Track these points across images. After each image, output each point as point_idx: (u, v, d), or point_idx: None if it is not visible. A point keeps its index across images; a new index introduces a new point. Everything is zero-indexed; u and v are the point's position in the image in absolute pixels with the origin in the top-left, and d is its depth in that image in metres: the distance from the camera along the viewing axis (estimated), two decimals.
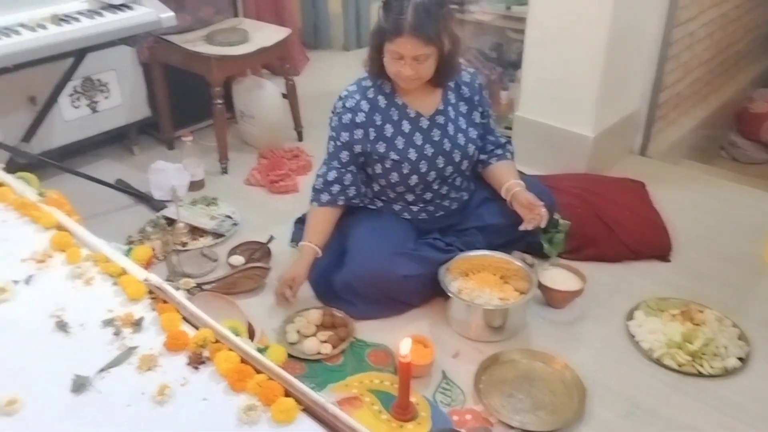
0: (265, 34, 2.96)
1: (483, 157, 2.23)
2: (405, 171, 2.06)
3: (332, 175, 2.07)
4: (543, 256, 2.25)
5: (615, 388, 1.82)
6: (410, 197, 2.14)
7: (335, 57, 4.29)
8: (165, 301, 1.31)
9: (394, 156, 2.04)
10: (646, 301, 2.09)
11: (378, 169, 2.08)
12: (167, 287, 1.33)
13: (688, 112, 3.41)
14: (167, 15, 2.34)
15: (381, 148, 2.04)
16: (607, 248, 2.32)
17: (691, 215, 2.22)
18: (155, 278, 1.36)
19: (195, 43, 2.82)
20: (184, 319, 1.28)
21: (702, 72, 3.39)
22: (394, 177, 2.07)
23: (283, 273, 2.07)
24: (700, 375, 1.85)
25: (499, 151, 2.24)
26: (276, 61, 3.28)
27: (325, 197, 2.08)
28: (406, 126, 2.05)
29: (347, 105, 2.05)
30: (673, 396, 1.80)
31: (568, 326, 2.05)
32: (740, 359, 1.88)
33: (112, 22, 2.23)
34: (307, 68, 4.07)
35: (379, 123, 2.04)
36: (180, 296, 1.32)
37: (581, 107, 2.68)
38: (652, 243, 2.33)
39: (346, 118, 2.04)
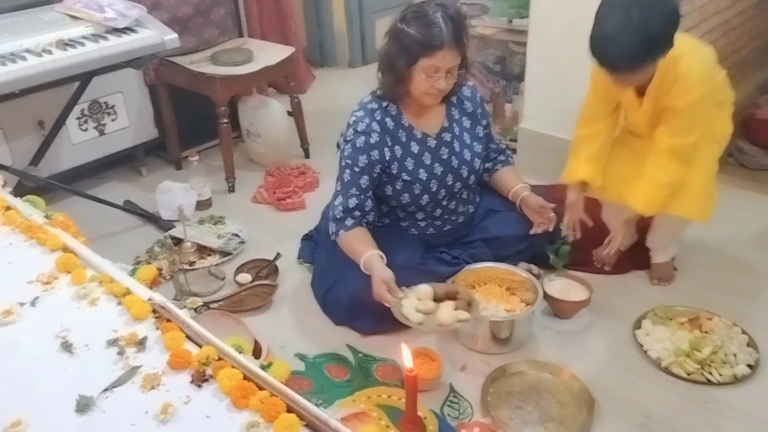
0: (269, 53, 3.00)
1: (488, 165, 2.25)
2: (416, 192, 2.07)
3: (353, 202, 2.01)
4: (549, 267, 2.25)
5: (624, 399, 1.81)
6: (420, 215, 2.14)
7: (341, 74, 4.33)
8: (169, 320, 1.32)
9: (405, 177, 2.05)
10: (654, 310, 2.08)
11: (389, 190, 2.08)
12: (171, 306, 1.34)
13: None
14: (171, 37, 2.37)
15: (393, 169, 2.04)
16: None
17: (700, 223, 2.21)
18: (159, 297, 1.37)
19: (200, 63, 2.85)
20: (188, 337, 1.28)
21: None
22: (405, 198, 2.07)
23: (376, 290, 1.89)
24: (709, 383, 1.83)
25: (501, 157, 2.27)
26: (281, 80, 3.31)
27: (349, 221, 2.01)
28: (414, 147, 2.05)
29: (359, 129, 2.00)
30: (683, 405, 1.78)
31: (576, 337, 2.04)
32: (749, 366, 1.86)
33: (116, 45, 2.26)
34: (314, 86, 4.11)
35: (389, 144, 2.03)
36: (184, 315, 1.33)
37: None
38: None
39: (360, 141, 2.00)
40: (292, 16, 3.83)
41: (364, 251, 1.96)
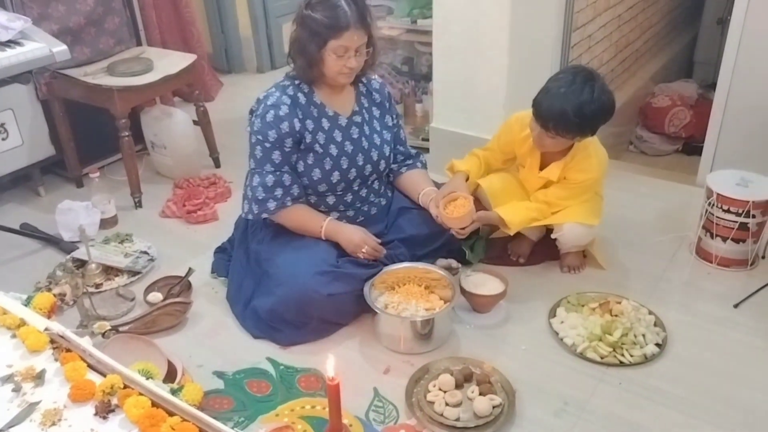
0: (169, 62, 2.90)
1: (393, 166, 2.26)
2: (327, 167, 2.07)
3: (270, 180, 2.02)
4: (466, 263, 2.28)
5: (543, 387, 1.85)
6: (331, 199, 2.13)
7: (250, 80, 4.25)
8: (68, 350, 1.25)
9: (317, 149, 2.05)
10: (567, 298, 2.14)
11: (300, 166, 2.07)
12: (70, 335, 1.27)
13: None
14: (60, 49, 2.24)
15: (307, 138, 2.05)
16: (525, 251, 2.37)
17: (606, 210, 2.31)
18: (57, 326, 1.30)
19: (95, 75, 2.72)
20: (90, 366, 1.22)
21: (604, 72, 3.53)
22: (317, 173, 2.07)
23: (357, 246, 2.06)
24: (622, 365, 1.90)
25: (409, 161, 2.29)
26: (185, 88, 3.21)
27: (271, 204, 2.03)
28: (325, 123, 2.07)
29: (268, 103, 2.02)
30: (599, 388, 1.84)
31: (494, 329, 2.07)
32: (658, 345, 1.95)
33: None
34: (222, 93, 4.02)
35: (300, 117, 2.04)
36: (85, 343, 1.27)
37: (490, 114, 2.73)
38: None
39: (270, 115, 2.00)
40: (194, 22, 3.72)
41: (319, 221, 2.06)
